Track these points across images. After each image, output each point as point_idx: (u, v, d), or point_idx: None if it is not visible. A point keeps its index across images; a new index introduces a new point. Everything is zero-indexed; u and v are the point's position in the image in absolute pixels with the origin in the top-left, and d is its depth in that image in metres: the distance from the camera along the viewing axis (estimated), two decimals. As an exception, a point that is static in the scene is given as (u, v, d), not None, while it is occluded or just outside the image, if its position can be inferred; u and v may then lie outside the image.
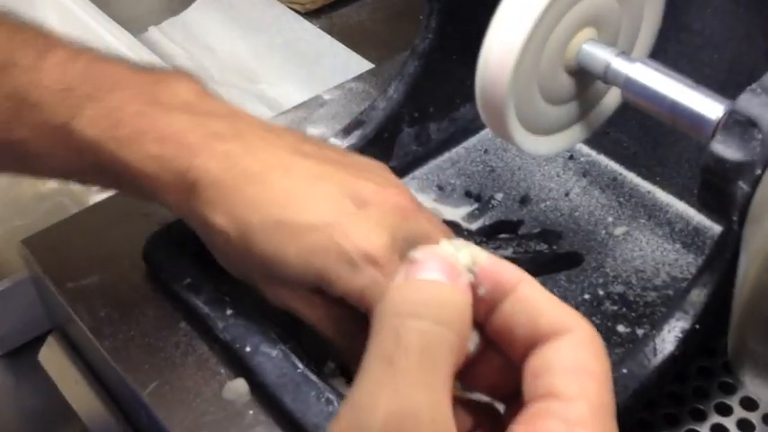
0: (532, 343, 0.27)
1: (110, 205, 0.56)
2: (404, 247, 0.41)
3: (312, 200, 0.42)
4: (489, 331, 0.29)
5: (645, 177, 0.57)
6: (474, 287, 0.28)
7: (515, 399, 0.28)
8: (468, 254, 0.28)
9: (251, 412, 0.44)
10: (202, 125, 0.43)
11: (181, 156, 0.43)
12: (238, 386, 0.45)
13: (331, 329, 0.43)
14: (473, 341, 0.29)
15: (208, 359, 0.46)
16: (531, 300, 0.28)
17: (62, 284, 0.51)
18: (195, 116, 0.44)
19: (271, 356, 0.44)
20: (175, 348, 0.47)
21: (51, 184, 0.70)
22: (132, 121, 0.43)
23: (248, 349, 0.45)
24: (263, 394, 0.44)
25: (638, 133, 0.56)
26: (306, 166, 0.44)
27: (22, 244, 0.53)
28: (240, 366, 0.45)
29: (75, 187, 0.70)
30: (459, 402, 0.29)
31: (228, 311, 0.46)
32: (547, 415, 0.26)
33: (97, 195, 0.68)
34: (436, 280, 0.27)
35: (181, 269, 0.49)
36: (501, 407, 0.30)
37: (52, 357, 0.55)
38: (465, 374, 0.30)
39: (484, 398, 0.30)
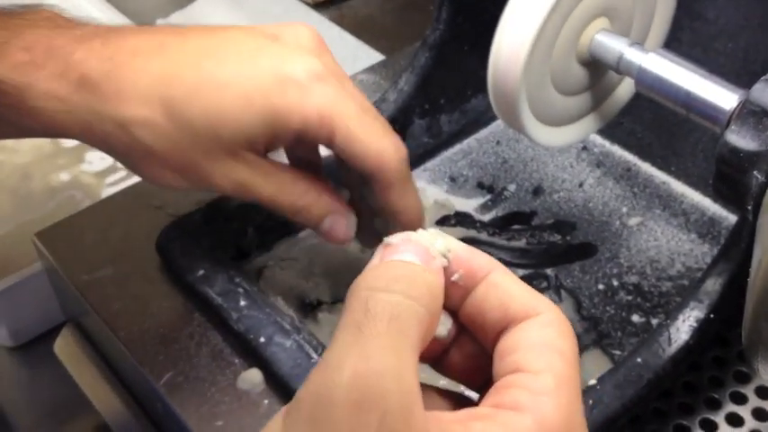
0: (503, 326, 0.29)
1: (122, 198, 0.56)
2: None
3: (226, 49, 0.41)
4: (462, 317, 0.30)
5: (659, 168, 0.57)
6: (448, 273, 0.29)
7: (487, 388, 0.29)
8: (442, 241, 0.29)
9: (266, 402, 0.44)
10: (70, 30, 0.42)
11: (54, 57, 0.40)
12: (253, 376, 0.45)
13: (287, 197, 0.43)
14: (446, 326, 0.30)
15: (222, 350, 0.46)
16: (503, 286, 0.29)
17: (76, 277, 0.51)
18: (62, 28, 0.42)
19: (285, 347, 0.44)
20: (190, 339, 0.47)
21: (63, 178, 0.70)
22: None
23: (262, 340, 0.45)
24: (278, 384, 0.44)
25: (653, 123, 0.56)
26: (197, 32, 0.43)
27: (36, 237, 0.54)
28: (254, 357, 0.45)
29: (87, 180, 0.70)
30: (434, 390, 0.30)
31: (242, 302, 0.46)
32: (513, 385, 0.27)
33: (109, 188, 0.69)
34: (409, 261, 0.28)
35: (194, 261, 0.49)
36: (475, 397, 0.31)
37: (67, 349, 0.55)
38: (439, 361, 0.31)
39: (457, 388, 0.31)
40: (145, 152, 0.41)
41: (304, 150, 0.47)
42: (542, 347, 0.28)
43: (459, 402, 0.30)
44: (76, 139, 0.42)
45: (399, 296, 0.27)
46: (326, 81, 0.41)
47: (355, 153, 0.42)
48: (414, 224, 0.44)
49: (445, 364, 0.31)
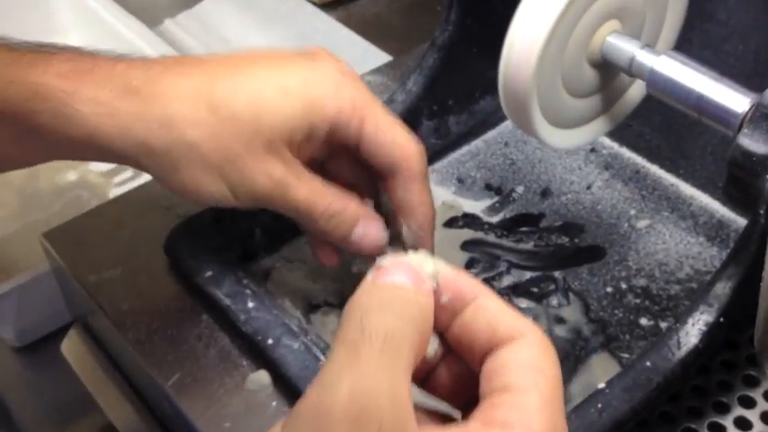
0: (490, 348, 0.30)
1: (130, 198, 0.56)
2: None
3: (259, 58, 0.44)
4: (450, 338, 0.31)
5: (668, 170, 0.56)
6: (437, 295, 0.31)
7: (471, 407, 0.30)
8: (431, 264, 0.31)
9: (274, 403, 0.44)
10: (103, 54, 0.43)
11: (97, 67, 0.41)
12: (261, 377, 0.45)
13: (321, 200, 0.43)
14: (433, 346, 0.32)
15: (230, 351, 0.46)
16: (490, 309, 0.30)
17: (84, 277, 0.51)
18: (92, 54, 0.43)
19: (293, 348, 0.44)
20: (198, 340, 0.47)
21: (70, 178, 0.70)
22: None
23: (270, 341, 0.45)
24: (286, 386, 0.44)
25: (661, 125, 0.56)
26: (229, 54, 0.45)
27: (43, 237, 0.54)
28: (262, 358, 0.45)
29: (94, 180, 0.70)
30: (421, 409, 0.31)
31: (250, 304, 0.46)
32: (502, 404, 0.28)
33: (117, 188, 0.69)
34: (401, 283, 0.29)
35: (202, 262, 0.49)
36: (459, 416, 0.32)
37: (74, 349, 0.55)
38: (426, 380, 0.32)
39: (443, 407, 0.32)
40: (187, 149, 0.41)
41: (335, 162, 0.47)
42: (528, 368, 0.29)
43: (444, 421, 0.31)
44: (111, 149, 0.42)
45: (393, 317, 0.28)
46: (354, 78, 0.44)
47: (384, 142, 0.43)
48: (430, 221, 0.45)
49: (431, 383, 0.32)
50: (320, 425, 0.26)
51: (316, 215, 0.44)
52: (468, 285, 0.31)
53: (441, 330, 0.31)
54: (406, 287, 0.29)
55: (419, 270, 0.30)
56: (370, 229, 0.45)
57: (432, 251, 0.46)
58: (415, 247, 0.45)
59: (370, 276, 0.30)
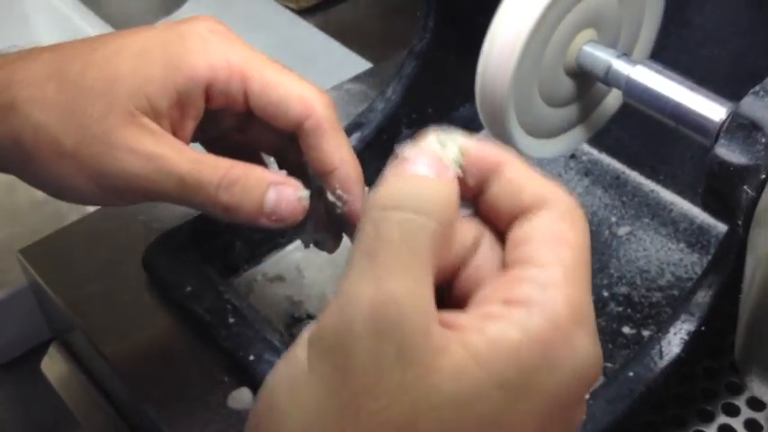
0: (515, 217, 0.28)
1: (108, 213, 0.56)
2: None
3: (122, 31, 0.39)
4: (479, 214, 0.29)
5: (648, 176, 0.56)
6: (462, 179, 0.28)
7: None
8: (455, 147, 0.28)
9: (256, 422, 0.44)
10: None
11: None
12: (243, 395, 0.45)
13: (210, 170, 0.37)
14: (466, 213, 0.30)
15: (211, 368, 0.46)
16: (515, 177, 0.29)
17: (62, 293, 0.51)
18: None
19: (274, 364, 0.44)
20: (178, 357, 0.47)
21: (48, 190, 0.70)
22: None
23: (252, 357, 0.44)
24: (268, 403, 0.43)
25: (641, 131, 0.55)
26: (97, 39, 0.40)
27: (20, 253, 0.53)
28: (244, 375, 0.45)
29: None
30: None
31: (231, 320, 0.46)
32: (522, 279, 0.27)
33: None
34: (421, 174, 0.27)
35: (182, 277, 0.48)
36: None
37: (54, 367, 0.55)
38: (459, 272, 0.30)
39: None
40: (34, 133, 0.37)
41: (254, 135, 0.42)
42: (552, 240, 0.27)
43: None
44: None
45: (410, 213, 0.26)
46: (227, 35, 0.39)
47: (276, 99, 0.38)
48: (353, 181, 0.39)
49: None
50: (343, 343, 0.25)
51: (210, 187, 0.37)
52: (493, 156, 0.29)
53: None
54: (425, 178, 0.27)
55: (441, 156, 0.28)
56: (284, 192, 0.38)
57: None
58: (344, 215, 0.40)
59: (390, 168, 0.28)
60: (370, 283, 0.25)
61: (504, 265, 0.28)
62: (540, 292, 0.26)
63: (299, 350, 0.27)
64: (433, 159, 0.28)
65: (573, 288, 0.27)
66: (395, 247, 0.26)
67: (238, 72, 0.38)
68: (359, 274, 0.26)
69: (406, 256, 0.26)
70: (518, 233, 0.28)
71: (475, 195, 0.29)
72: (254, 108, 0.39)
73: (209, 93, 0.38)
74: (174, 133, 0.38)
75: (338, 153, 0.39)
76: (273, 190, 0.38)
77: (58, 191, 0.39)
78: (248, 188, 0.37)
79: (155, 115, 0.37)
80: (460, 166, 0.28)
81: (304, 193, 0.38)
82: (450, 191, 0.27)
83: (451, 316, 0.27)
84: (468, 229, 0.29)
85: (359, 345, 0.25)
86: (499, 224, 0.29)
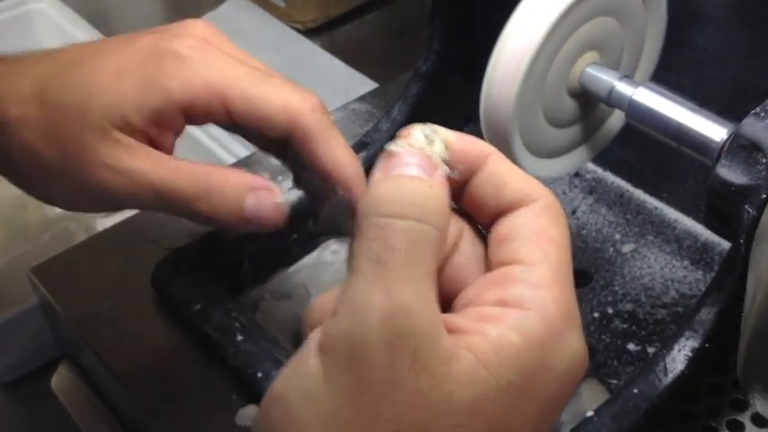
0: (498, 213, 0.29)
1: (117, 232, 0.56)
2: None
3: (109, 41, 0.40)
4: (460, 203, 0.30)
5: (651, 194, 0.57)
6: (449, 176, 0.29)
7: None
8: (440, 143, 0.29)
9: (264, 439, 0.44)
10: None
11: None
12: (251, 412, 0.45)
13: (188, 178, 0.38)
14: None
15: (219, 385, 0.46)
16: (498, 173, 0.29)
17: (72, 312, 0.51)
18: None
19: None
20: (187, 375, 0.47)
21: (58, 210, 0.70)
22: None
23: (260, 375, 0.45)
24: (276, 421, 0.44)
25: (644, 150, 0.56)
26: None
27: (31, 272, 0.54)
28: (252, 392, 0.45)
29: (82, 213, 0.70)
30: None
31: (239, 337, 0.46)
32: (513, 279, 0.28)
33: (104, 220, 0.69)
34: (416, 176, 0.28)
35: (190, 295, 0.49)
36: None
37: (64, 385, 0.55)
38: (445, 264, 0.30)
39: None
40: (23, 152, 0.38)
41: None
42: (537, 238, 0.28)
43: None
44: None
45: (413, 222, 0.27)
46: (207, 51, 0.38)
47: (260, 114, 0.37)
48: (352, 181, 0.38)
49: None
50: (358, 354, 0.26)
51: (186, 198, 0.37)
52: (476, 149, 0.29)
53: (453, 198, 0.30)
54: (422, 182, 0.27)
55: (430, 154, 0.28)
56: (263, 196, 0.38)
57: None
58: (349, 220, 0.38)
59: (381, 165, 0.28)
60: (380, 291, 0.26)
61: (489, 261, 0.29)
62: (532, 293, 0.27)
63: (310, 358, 0.27)
64: (423, 158, 0.28)
65: (560, 287, 0.28)
66: (402, 257, 0.26)
67: (217, 93, 0.37)
68: (367, 282, 0.26)
69: (413, 265, 0.27)
70: (502, 229, 0.29)
71: (458, 189, 0.30)
72: (239, 123, 0.39)
73: (187, 112, 0.38)
74: (155, 147, 0.38)
75: (331, 159, 0.38)
76: (253, 195, 0.38)
77: (54, 203, 0.40)
78: (226, 196, 0.38)
79: (130, 131, 0.37)
80: (445, 162, 0.29)
81: (282, 198, 0.38)
82: (444, 194, 0.28)
83: (449, 318, 0.28)
84: (451, 225, 0.29)
85: (374, 354, 0.26)
86: (481, 217, 0.30)
